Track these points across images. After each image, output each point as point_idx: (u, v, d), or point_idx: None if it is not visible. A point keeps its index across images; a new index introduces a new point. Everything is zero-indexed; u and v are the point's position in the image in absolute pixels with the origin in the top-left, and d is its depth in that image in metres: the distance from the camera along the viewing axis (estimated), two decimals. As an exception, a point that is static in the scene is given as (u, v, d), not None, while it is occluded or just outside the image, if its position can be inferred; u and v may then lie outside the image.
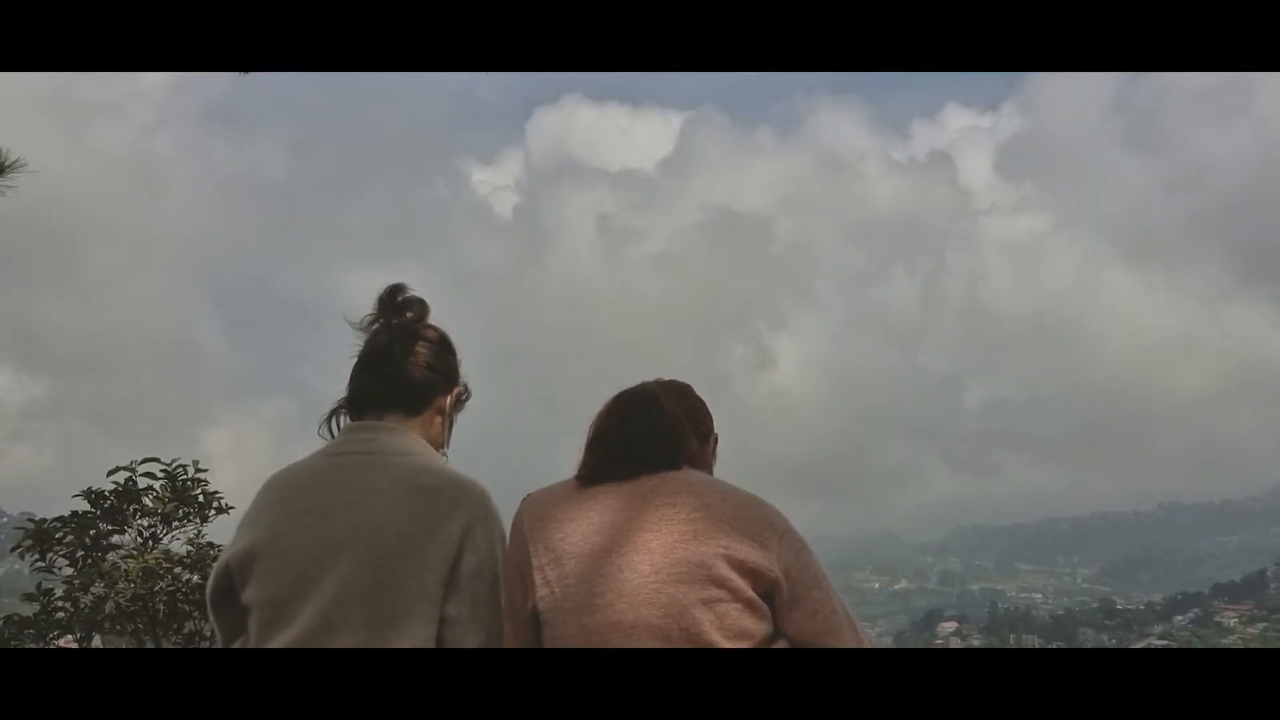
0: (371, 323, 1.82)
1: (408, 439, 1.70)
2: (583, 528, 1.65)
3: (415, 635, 1.53)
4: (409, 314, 1.82)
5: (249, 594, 1.60)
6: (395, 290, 1.84)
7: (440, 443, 1.79)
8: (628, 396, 1.80)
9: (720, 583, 1.56)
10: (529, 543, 1.68)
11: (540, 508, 1.72)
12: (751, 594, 1.57)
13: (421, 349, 1.78)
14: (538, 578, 1.65)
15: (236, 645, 1.67)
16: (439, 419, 1.80)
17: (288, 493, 1.64)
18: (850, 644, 1.63)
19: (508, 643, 1.73)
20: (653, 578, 1.57)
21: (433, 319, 1.86)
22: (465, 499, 1.61)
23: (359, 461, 1.65)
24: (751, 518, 1.63)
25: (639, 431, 1.72)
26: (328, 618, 1.52)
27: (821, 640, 1.61)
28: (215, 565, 1.70)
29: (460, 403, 1.86)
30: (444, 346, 1.83)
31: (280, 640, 1.54)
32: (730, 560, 1.58)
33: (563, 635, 1.61)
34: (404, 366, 1.75)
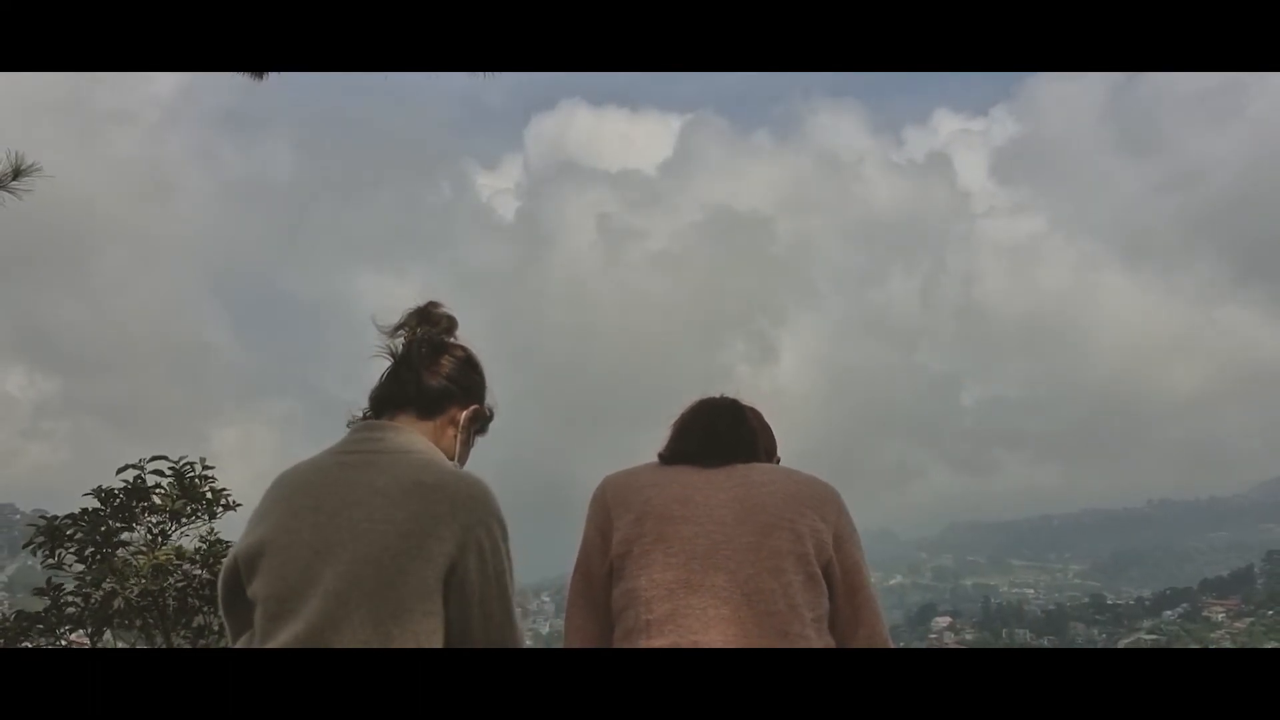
0: (396, 329, 1.87)
1: (413, 437, 1.71)
2: (663, 495, 1.83)
3: (418, 632, 1.53)
4: (437, 327, 1.88)
5: (255, 589, 1.61)
6: (429, 305, 1.90)
7: (452, 457, 1.79)
8: (714, 400, 2.02)
9: (787, 553, 1.72)
10: (611, 507, 1.86)
11: (622, 479, 1.92)
12: (815, 568, 1.73)
13: (446, 361, 1.83)
14: (616, 536, 1.82)
15: (244, 639, 1.69)
16: (451, 430, 1.80)
17: (294, 491, 1.66)
18: (880, 628, 1.79)
19: (576, 601, 1.89)
20: (724, 545, 1.73)
21: (463, 339, 1.90)
22: (466, 498, 1.61)
23: (364, 460, 1.66)
24: (817, 494, 1.82)
25: (724, 427, 1.94)
26: (331, 614, 1.52)
27: (859, 617, 1.77)
28: (224, 561, 1.74)
29: (481, 424, 1.89)
30: (469, 364, 1.87)
31: (284, 635, 1.55)
32: (797, 531, 1.74)
33: (631, 589, 1.76)
34: (421, 372, 1.80)
